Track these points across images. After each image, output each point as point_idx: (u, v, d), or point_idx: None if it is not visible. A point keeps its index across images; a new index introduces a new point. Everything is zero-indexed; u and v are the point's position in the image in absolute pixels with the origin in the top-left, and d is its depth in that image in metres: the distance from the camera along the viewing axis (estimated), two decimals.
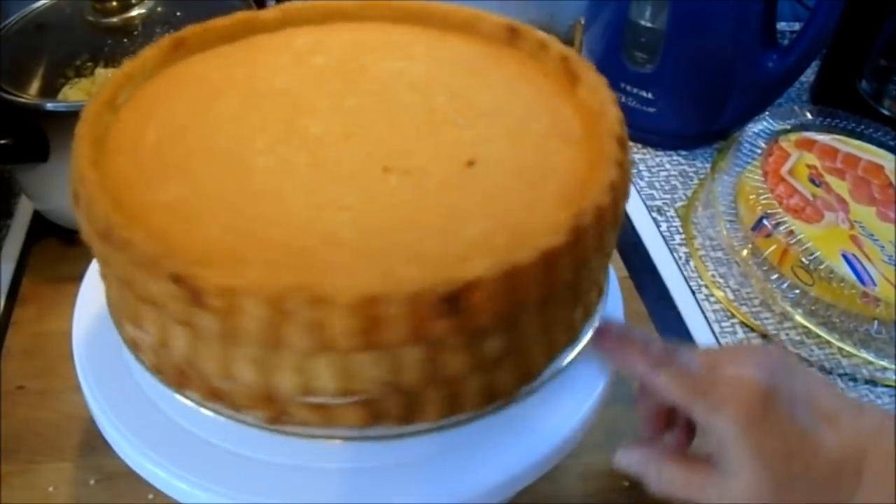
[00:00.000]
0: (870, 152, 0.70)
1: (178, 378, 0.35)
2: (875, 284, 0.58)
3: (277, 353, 0.32)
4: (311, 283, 0.30)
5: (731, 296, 0.64)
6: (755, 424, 0.33)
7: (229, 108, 0.40)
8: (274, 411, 0.34)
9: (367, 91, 0.42)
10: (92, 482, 0.50)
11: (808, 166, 0.68)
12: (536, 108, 0.42)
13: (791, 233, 0.61)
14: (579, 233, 0.33)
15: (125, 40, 0.64)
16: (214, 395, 0.35)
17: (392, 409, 0.34)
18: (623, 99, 0.76)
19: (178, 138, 0.38)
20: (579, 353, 0.40)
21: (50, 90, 0.62)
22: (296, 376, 0.32)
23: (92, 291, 0.44)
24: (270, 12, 0.44)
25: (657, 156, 0.79)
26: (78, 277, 0.45)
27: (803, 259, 0.60)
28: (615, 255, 0.67)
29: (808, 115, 0.72)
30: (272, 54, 0.43)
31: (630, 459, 0.38)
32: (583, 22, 0.82)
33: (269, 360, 0.32)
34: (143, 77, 0.40)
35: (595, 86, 0.41)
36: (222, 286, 0.30)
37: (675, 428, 0.40)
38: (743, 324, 0.63)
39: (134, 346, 0.37)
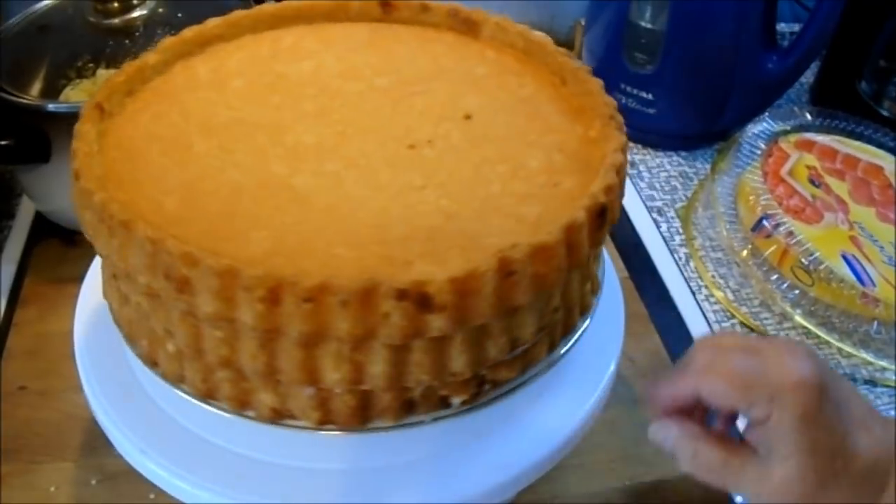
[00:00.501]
0: (869, 153, 0.70)
1: (362, 413, 0.35)
2: (874, 285, 0.58)
3: (491, 327, 0.33)
4: (513, 243, 0.32)
5: (731, 296, 0.65)
6: (810, 418, 0.33)
7: (209, 151, 0.38)
8: (474, 389, 0.36)
9: (311, 94, 0.42)
10: (93, 482, 0.50)
11: (808, 167, 0.68)
12: (464, 59, 0.45)
13: (791, 233, 0.61)
14: (620, 126, 0.38)
15: (126, 41, 0.65)
16: (406, 409, 0.35)
17: (539, 352, 0.37)
18: (623, 100, 0.76)
19: (199, 193, 0.36)
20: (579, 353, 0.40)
21: (51, 91, 0.62)
22: (504, 337, 0.34)
23: (93, 292, 0.44)
24: (152, 56, 0.42)
25: (657, 157, 0.79)
26: (79, 278, 0.45)
27: (803, 260, 0.60)
28: (615, 256, 0.67)
29: (808, 116, 0.73)
30: (189, 93, 0.42)
31: (666, 434, 0.37)
32: (583, 23, 0.83)
33: (478, 339, 0.33)
34: (96, 152, 0.37)
35: (499, 24, 0.45)
36: (453, 280, 0.30)
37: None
38: (743, 324, 0.63)
39: (275, 415, 0.35)
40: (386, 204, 0.36)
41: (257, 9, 0.46)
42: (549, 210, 0.35)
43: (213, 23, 0.45)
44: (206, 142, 0.39)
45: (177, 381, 0.36)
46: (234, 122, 0.40)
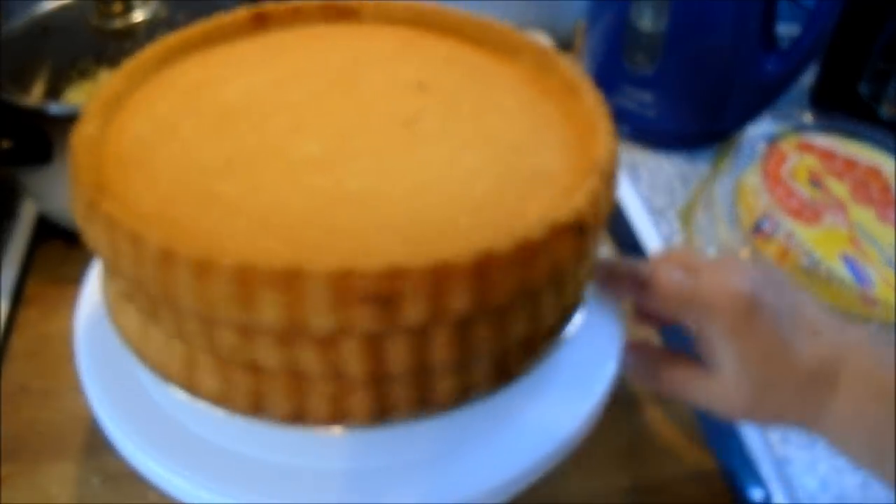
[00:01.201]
0: (869, 155, 0.70)
1: (461, 389, 0.35)
2: (874, 286, 0.59)
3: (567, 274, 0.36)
4: (566, 187, 0.35)
5: None
6: (739, 330, 0.36)
7: (231, 188, 0.36)
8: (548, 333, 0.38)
9: (269, 112, 0.40)
10: (95, 482, 0.50)
11: (808, 168, 0.68)
12: (365, 43, 0.45)
13: (790, 234, 0.61)
14: (566, 64, 0.42)
15: (128, 43, 0.65)
16: (501, 371, 0.36)
17: (580, 297, 0.40)
18: (623, 101, 0.76)
19: (260, 224, 0.34)
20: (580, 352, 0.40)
21: (54, 93, 0.63)
22: (573, 281, 0.37)
23: (94, 293, 0.44)
24: (115, 82, 0.40)
25: (657, 157, 0.79)
26: (81, 279, 0.46)
27: (802, 260, 0.60)
28: (615, 257, 0.67)
29: (808, 118, 0.73)
30: (157, 148, 0.38)
31: (624, 361, 0.41)
32: (583, 24, 0.83)
33: (560, 288, 0.36)
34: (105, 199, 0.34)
35: (379, 6, 0.47)
36: (553, 227, 0.32)
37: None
38: None
39: (373, 415, 0.35)
40: (433, 187, 0.36)
41: (178, 37, 0.44)
42: (570, 155, 0.38)
43: (115, 79, 0.42)
44: (223, 182, 0.36)
45: (255, 412, 0.35)
46: (230, 158, 0.37)
